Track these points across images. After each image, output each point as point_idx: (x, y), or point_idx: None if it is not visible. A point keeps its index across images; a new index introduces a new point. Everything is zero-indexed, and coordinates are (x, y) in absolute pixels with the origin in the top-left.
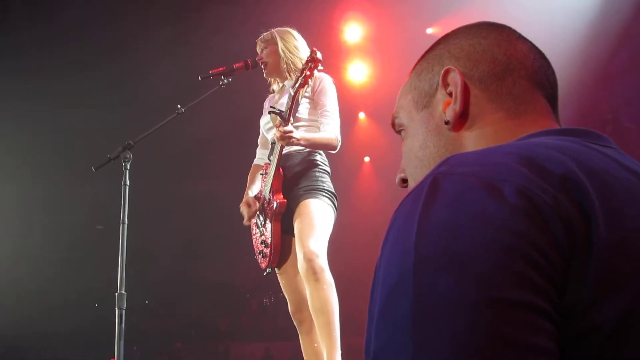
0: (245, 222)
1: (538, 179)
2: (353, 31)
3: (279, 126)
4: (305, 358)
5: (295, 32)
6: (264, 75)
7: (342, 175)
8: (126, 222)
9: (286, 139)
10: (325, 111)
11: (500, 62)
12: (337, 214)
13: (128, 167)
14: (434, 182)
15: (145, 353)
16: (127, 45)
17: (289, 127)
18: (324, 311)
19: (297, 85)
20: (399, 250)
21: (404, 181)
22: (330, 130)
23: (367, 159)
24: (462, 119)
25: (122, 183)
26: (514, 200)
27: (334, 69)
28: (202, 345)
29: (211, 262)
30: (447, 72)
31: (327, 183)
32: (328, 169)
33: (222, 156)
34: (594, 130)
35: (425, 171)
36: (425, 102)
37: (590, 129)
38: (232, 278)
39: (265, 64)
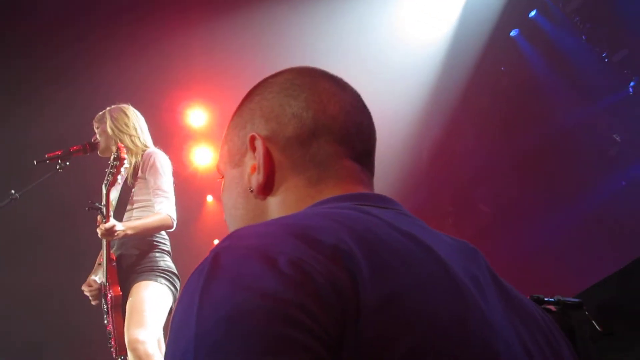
0: (92, 302)
1: (310, 249)
2: (197, 116)
3: (100, 223)
4: None
5: (129, 109)
6: (99, 154)
7: (191, 258)
8: None
9: (109, 235)
10: (157, 190)
11: (307, 127)
12: (175, 290)
13: None
14: (215, 258)
15: None
16: None
17: (110, 223)
18: None
19: (107, 183)
20: (182, 327)
21: None
22: (163, 209)
23: (216, 241)
24: (267, 187)
25: None
26: (287, 271)
27: (178, 153)
28: None
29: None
30: (252, 139)
31: (165, 262)
32: (167, 248)
33: (57, 244)
34: (382, 195)
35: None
36: (237, 159)
37: (378, 194)
38: None
39: (97, 144)
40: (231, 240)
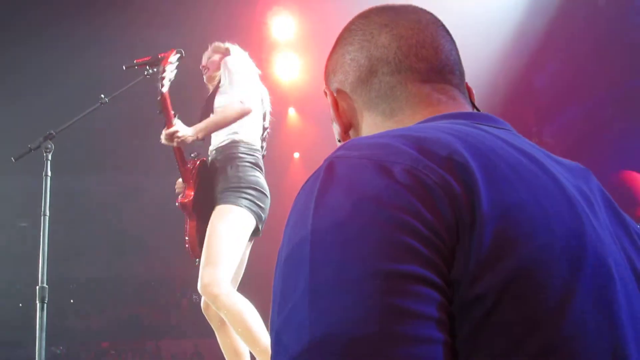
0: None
1: (425, 159)
2: (282, 26)
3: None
4: (224, 352)
5: (245, 54)
6: (205, 79)
7: (271, 171)
8: (47, 214)
9: (172, 140)
10: (229, 86)
11: (364, 66)
12: (259, 210)
13: (49, 158)
14: (330, 166)
15: (70, 352)
16: (50, 32)
17: (172, 129)
18: (239, 333)
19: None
20: (298, 230)
21: None
22: (230, 99)
23: (296, 154)
24: (347, 134)
25: (44, 174)
26: (403, 180)
27: (263, 64)
28: (130, 343)
29: (140, 257)
30: (325, 95)
31: (248, 177)
32: (252, 159)
33: (151, 149)
34: (489, 114)
35: None
36: (332, 115)
37: (485, 113)
38: (161, 274)
39: (208, 70)
40: (345, 150)
